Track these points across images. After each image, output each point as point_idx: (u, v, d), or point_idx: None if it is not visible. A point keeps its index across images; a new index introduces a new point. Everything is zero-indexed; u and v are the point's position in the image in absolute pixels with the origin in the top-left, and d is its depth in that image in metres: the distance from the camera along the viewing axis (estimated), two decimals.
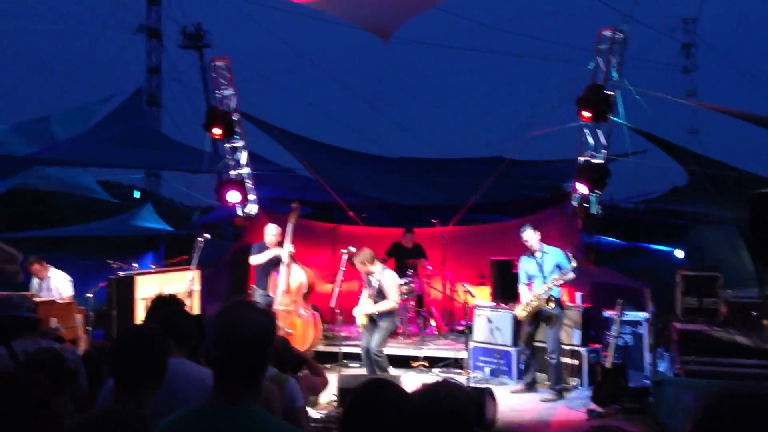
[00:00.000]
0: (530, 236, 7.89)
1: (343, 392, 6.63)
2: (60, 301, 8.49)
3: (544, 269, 7.80)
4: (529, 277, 7.98)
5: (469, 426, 2.65)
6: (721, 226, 15.93)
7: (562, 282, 7.81)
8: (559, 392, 7.74)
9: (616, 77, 10.52)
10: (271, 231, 8.68)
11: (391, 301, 7.56)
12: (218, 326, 2.09)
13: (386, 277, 7.60)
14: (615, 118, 10.84)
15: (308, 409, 6.56)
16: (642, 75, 13.23)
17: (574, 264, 7.70)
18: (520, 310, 8.03)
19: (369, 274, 7.63)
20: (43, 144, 13.12)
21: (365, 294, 7.76)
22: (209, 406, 2.16)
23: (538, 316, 7.91)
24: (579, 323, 8.37)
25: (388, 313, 7.65)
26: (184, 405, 3.15)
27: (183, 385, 3.23)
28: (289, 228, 8.39)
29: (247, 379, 2.09)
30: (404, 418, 2.08)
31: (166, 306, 3.55)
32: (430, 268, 10.77)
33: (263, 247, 8.70)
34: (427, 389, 2.67)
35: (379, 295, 7.58)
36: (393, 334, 9.85)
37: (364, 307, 7.64)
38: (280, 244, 8.50)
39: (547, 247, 7.92)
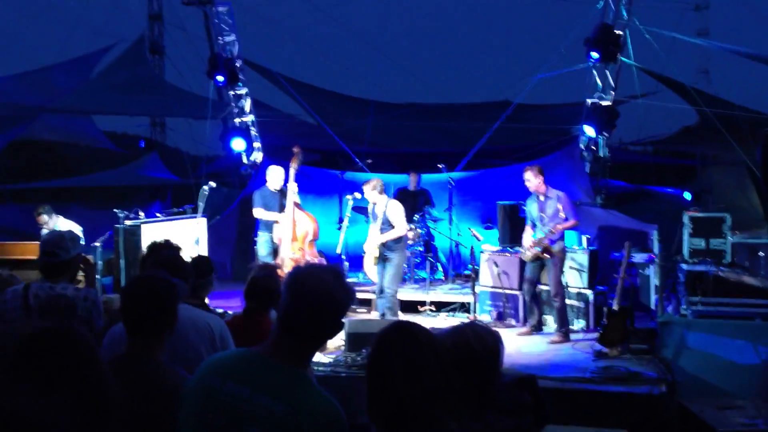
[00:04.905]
0: (529, 177, 7.79)
1: (352, 337, 6.69)
2: None
3: (546, 213, 7.73)
4: (532, 220, 7.95)
5: (496, 367, 2.66)
6: (732, 167, 15.75)
7: (561, 230, 7.69)
8: (565, 334, 7.77)
9: (626, 16, 10.29)
10: (274, 174, 8.66)
11: (400, 228, 7.76)
12: (293, 280, 2.16)
13: (392, 205, 7.83)
14: (624, 59, 10.63)
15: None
16: (652, 14, 12.90)
17: (565, 220, 7.58)
18: (522, 254, 8.12)
19: (375, 203, 7.86)
20: (45, 94, 13.01)
21: (372, 229, 7.95)
22: (260, 355, 2.16)
23: (541, 260, 7.90)
24: (586, 266, 8.37)
25: (398, 244, 7.81)
26: (191, 350, 3.19)
27: (189, 332, 3.26)
28: (292, 173, 8.35)
29: (302, 339, 2.14)
30: (433, 361, 2.07)
31: (162, 251, 3.54)
32: (434, 214, 10.70)
33: (265, 192, 8.69)
34: (454, 332, 2.66)
35: (386, 226, 7.77)
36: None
37: (374, 239, 7.83)
38: (283, 190, 8.47)
39: (552, 191, 7.82)
